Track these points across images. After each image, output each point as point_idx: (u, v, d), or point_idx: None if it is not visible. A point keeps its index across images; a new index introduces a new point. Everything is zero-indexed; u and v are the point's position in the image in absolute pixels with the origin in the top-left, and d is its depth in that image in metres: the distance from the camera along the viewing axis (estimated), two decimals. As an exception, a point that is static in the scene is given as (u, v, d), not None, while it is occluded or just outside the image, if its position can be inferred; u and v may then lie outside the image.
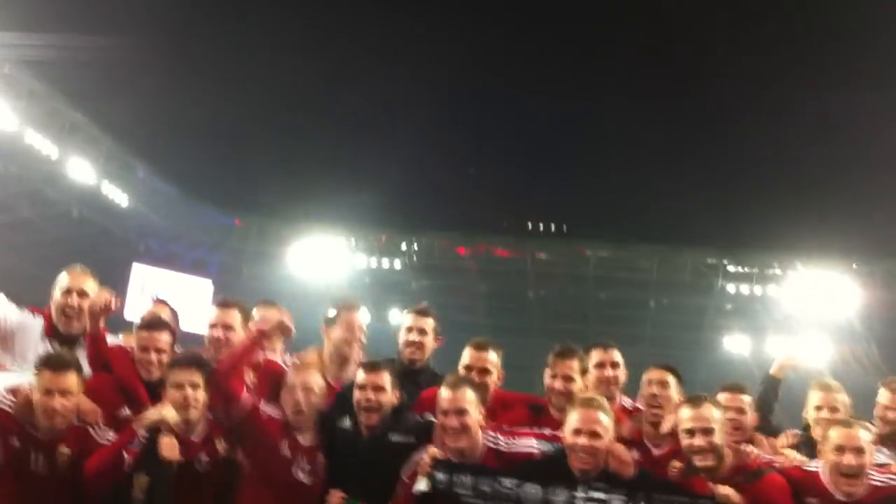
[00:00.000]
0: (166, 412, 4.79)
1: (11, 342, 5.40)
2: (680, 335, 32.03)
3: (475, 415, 4.77)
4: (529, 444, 4.87)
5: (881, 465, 4.71)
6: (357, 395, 4.99)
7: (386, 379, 4.99)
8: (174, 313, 6.04)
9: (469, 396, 4.78)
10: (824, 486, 4.58)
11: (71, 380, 4.77)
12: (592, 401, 4.82)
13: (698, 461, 4.64)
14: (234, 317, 5.52)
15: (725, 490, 4.43)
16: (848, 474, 4.51)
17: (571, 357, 5.40)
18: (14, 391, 4.89)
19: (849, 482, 4.51)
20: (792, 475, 4.69)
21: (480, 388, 5.04)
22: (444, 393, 4.81)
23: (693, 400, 4.83)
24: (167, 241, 32.16)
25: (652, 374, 5.33)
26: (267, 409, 5.08)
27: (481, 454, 4.80)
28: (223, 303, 5.69)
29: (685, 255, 30.80)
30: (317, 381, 5.11)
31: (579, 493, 4.52)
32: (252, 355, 5.13)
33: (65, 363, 4.82)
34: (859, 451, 4.53)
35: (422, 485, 4.60)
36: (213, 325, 5.54)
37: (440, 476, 4.60)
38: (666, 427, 4.94)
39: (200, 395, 4.91)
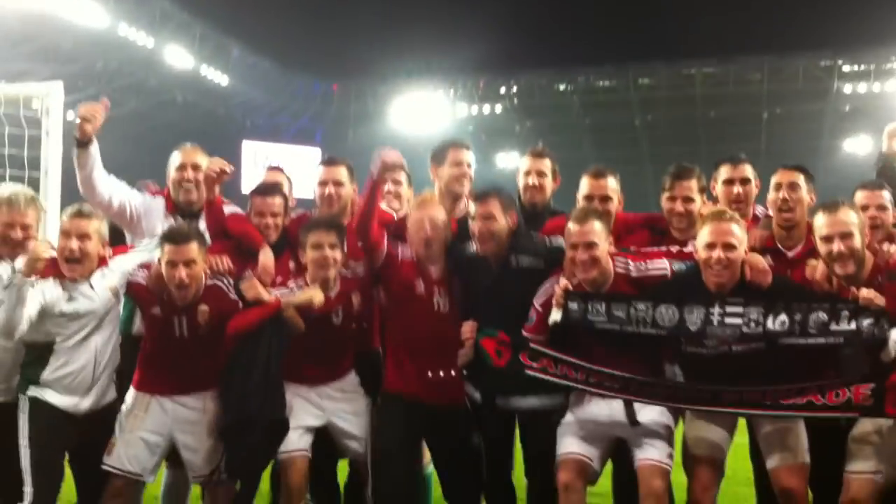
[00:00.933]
0: (314, 295, 5.02)
1: (139, 226, 5.64)
2: (797, 144, 30.98)
3: (603, 245, 4.76)
4: (661, 265, 4.85)
5: None
6: (471, 225, 5.08)
7: (495, 206, 5.04)
8: (289, 180, 6.16)
9: (597, 228, 4.76)
10: None
11: (192, 249, 4.97)
12: (723, 213, 4.75)
13: (838, 268, 4.50)
14: (342, 172, 5.60)
15: (867, 293, 4.32)
16: None
17: (689, 177, 5.26)
18: (147, 266, 5.16)
19: None
20: None
21: (604, 216, 5.01)
22: (572, 226, 4.81)
23: (829, 205, 4.62)
24: (271, 115, 32.68)
25: (781, 177, 5.09)
26: (402, 251, 5.24)
27: (612, 282, 4.82)
28: (329, 160, 5.75)
29: (796, 61, 29.42)
30: (441, 215, 5.23)
31: (715, 310, 4.51)
32: (380, 195, 5.23)
33: (184, 234, 5.03)
34: None
35: (556, 315, 4.70)
36: (322, 183, 5.63)
37: (573, 306, 4.69)
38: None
39: (337, 254, 5.11)
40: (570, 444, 4.81)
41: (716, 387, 4.57)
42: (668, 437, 4.76)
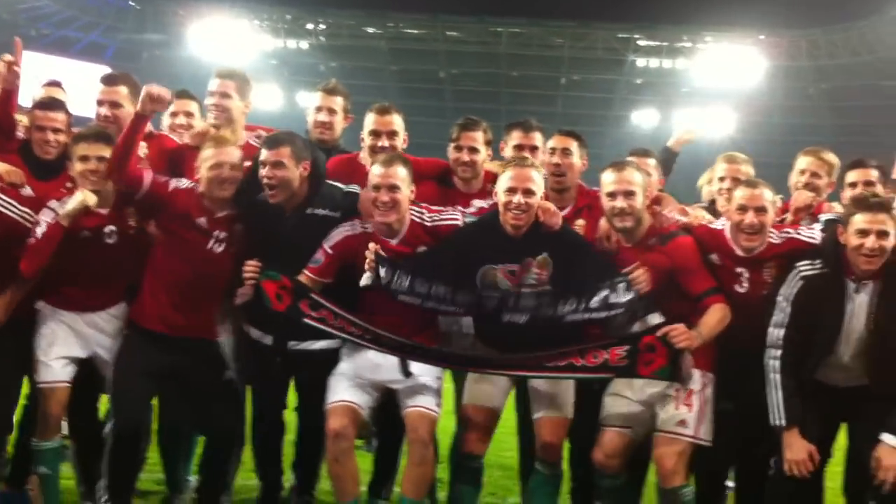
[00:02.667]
0: (85, 197, 4.72)
1: None
2: (590, 111, 32.33)
3: (406, 191, 4.81)
4: (453, 215, 4.99)
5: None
6: (260, 171, 4.90)
7: (285, 153, 4.84)
8: (65, 95, 5.73)
9: (401, 173, 4.79)
10: (727, 242, 4.81)
11: None
12: (525, 159, 4.94)
13: (617, 222, 4.78)
14: (121, 92, 5.27)
15: (638, 273, 4.59)
16: (749, 232, 4.71)
17: (476, 128, 5.35)
18: None
19: (749, 238, 4.72)
20: (698, 233, 4.92)
21: (408, 162, 4.98)
22: (377, 169, 4.81)
23: (617, 163, 4.87)
24: (60, 26, 30.52)
25: (555, 142, 5.31)
26: (176, 183, 5.00)
27: (407, 228, 4.89)
28: (109, 79, 5.39)
29: (597, 30, 30.55)
30: (237, 155, 4.99)
31: (510, 300, 4.68)
32: (141, 132, 4.90)
33: None
34: (761, 209, 4.70)
35: (365, 279, 4.67)
36: (99, 103, 5.30)
37: (382, 272, 4.66)
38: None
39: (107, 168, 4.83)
40: (340, 392, 4.81)
41: (485, 353, 4.77)
42: (437, 386, 4.88)
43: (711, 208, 5.64)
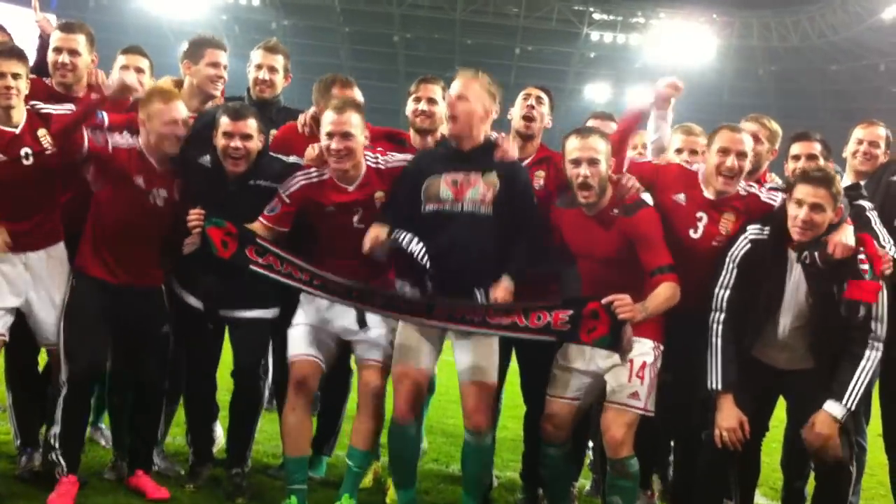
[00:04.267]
0: None
1: None
2: (543, 83, 32.00)
3: (360, 138, 4.79)
4: (405, 156, 5.04)
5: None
6: (223, 142, 4.87)
7: (252, 126, 4.90)
8: (11, 41, 5.56)
9: (354, 120, 4.75)
10: (699, 184, 4.85)
11: None
12: (472, 70, 5.01)
13: (582, 193, 4.72)
14: (80, 41, 5.18)
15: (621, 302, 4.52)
16: (728, 175, 4.73)
17: (435, 82, 5.42)
18: None
19: (727, 182, 4.75)
20: (671, 170, 4.97)
21: (362, 108, 5.01)
22: (330, 116, 4.79)
23: (582, 130, 4.81)
24: (2, -30, 29.61)
25: (530, 90, 5.44)
26: (119, 140, 4.92)
27: (364, 174, 4.90)
28: (68, 26, 5.26)
29: (552, 1, 30.50)
30: (184, 111, 4.96)
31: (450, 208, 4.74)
32: (89, 120, 4.86)
33: None
34: (742, 154, 4.74)
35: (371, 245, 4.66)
36: (57, 50, 5.17)
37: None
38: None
39: (22, 85, 4.69)
40: (303, 346, 4.86)
41: (432, 300, 4.73)
42: (390, 340, 4.89)
43: None
